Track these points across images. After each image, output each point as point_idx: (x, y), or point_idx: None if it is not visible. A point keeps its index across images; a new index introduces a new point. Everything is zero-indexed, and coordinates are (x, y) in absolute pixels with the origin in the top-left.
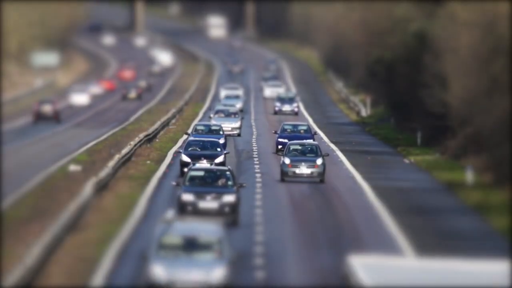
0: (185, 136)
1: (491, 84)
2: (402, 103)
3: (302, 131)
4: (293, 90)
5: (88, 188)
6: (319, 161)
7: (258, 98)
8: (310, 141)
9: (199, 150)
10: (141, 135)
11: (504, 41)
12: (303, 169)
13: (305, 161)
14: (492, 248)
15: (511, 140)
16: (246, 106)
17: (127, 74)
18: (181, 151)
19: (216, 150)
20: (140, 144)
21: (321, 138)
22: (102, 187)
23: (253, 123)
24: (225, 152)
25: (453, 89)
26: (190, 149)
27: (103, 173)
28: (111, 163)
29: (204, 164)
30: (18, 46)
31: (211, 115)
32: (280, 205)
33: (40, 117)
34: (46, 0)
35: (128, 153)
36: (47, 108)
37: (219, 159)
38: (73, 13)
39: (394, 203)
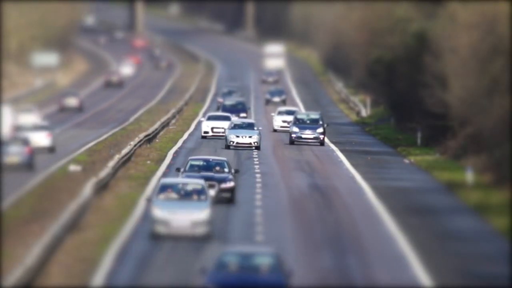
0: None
1: (491, 84)
2: (402, 103)
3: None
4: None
5: (88, 188)
6: None
7: (258, 98)
8: None
9: None
10: (141, 135)
11: (504, 41)
12: None
13: None
14: (492, 249)
15: (511, 140)
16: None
17: (139, 42)
18: None
19: None
20: (140, 144)
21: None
22: (102, 187)
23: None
24: None
25: (453, 89)
26: None
27: (103, 173)
28: (111, 163)
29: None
30: (18, 46)
31: (152, 198)
32: (280, 205)
33: (109, 85)
34: (46, 0)
35: (128, 153)
36: (114, 78)
37: None
38: (73, 13)
39: (394, 203)
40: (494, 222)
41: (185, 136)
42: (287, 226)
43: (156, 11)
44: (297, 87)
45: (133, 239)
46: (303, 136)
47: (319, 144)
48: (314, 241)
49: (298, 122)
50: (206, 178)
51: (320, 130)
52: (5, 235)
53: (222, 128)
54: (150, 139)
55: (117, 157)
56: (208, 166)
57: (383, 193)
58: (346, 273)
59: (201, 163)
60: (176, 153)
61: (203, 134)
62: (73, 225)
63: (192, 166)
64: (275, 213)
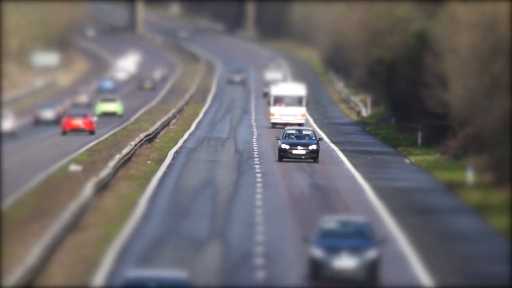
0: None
1: (491, 84)
2: (403, 103)
3: None
4: None
5: (88, 188)
6: None
7: (258, 99)
8: None
9: None
10: (142, 135)
11: (504, 41)
12: None
13: None
14: (492, 248)
15: (511, 140)
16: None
17: None
18: None
19: None
20: (141, 144)
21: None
22: (102, 187)
23: (253, 123)
24: None
25: (453, 89)
26: None
27: (104, 173)
28: (112, 163)
29: None
30: (19, 46)
31: None
32: (280, 205)
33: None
34: (47, 0)
35: (128, 153)
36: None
37: None
38: (74, 13)
39: (394, 203)
40: (494, 222)
41: (186, 135)
42: (288, 226)
43: (156, 11)
44: None
45: (134, 239)
46: None
47: None
48: None
49: None
50: None
51: None
52: (5, 235)
53: None
54: (150, 139)
55: (117, 157)
56: None
57: (384, 193)
58: None
59: None
60: (176, 153)
61: None
62: (74, 225)
63: None
64: (276, 213)
